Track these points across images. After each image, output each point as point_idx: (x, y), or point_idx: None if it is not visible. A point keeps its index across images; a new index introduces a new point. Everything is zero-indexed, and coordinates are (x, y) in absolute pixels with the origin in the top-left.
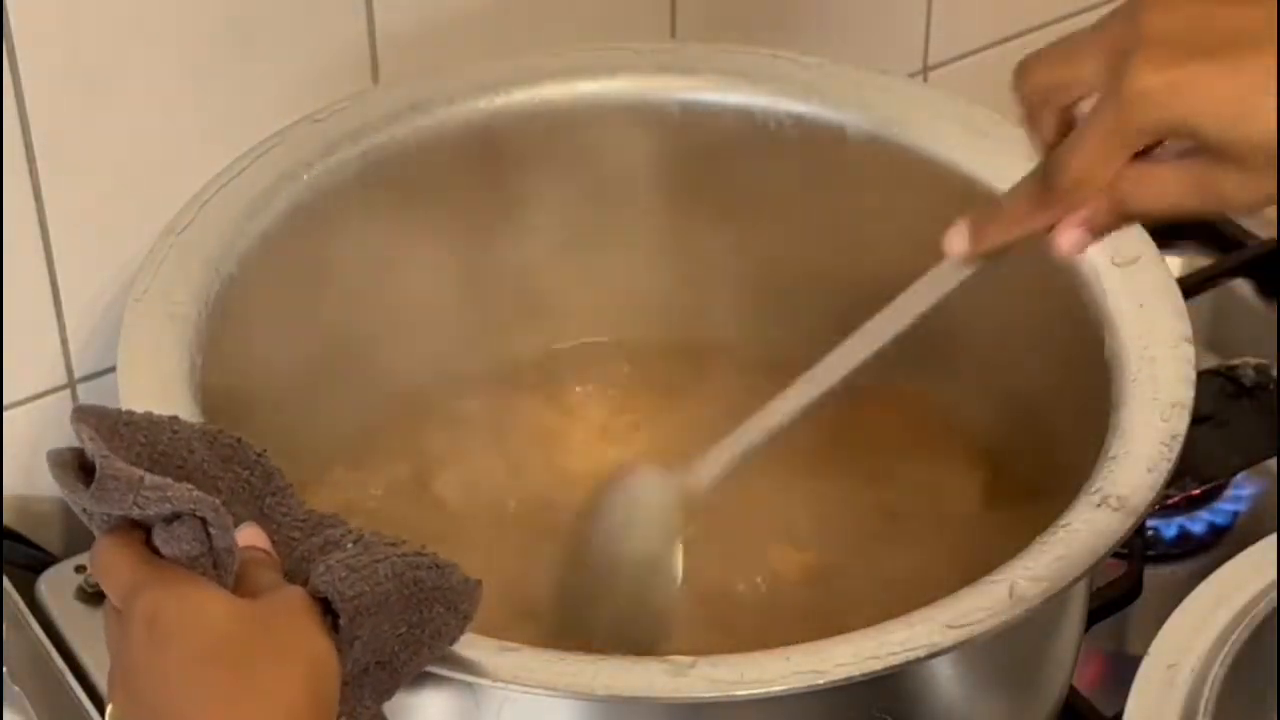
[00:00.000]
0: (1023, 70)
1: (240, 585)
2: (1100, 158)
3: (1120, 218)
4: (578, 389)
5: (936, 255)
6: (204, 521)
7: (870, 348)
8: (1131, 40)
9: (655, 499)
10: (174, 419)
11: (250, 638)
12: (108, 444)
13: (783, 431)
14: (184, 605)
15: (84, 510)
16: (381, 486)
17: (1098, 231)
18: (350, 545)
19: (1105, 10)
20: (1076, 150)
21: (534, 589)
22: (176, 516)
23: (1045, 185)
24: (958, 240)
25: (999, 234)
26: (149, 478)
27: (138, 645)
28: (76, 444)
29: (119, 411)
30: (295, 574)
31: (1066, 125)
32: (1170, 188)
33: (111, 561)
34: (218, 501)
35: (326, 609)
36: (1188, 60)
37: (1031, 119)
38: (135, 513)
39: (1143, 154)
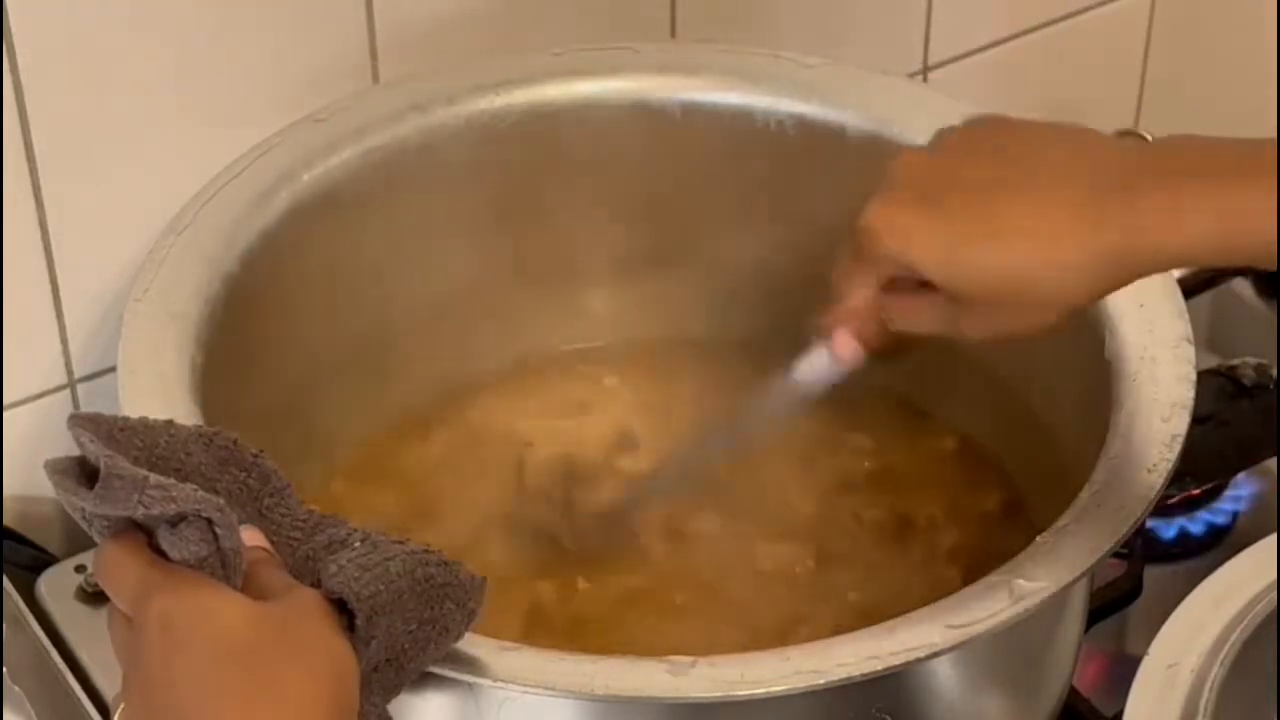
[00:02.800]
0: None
1: (248, 586)
2: (850, 278)
3: (889, 336)
4: (578, 389)
5: None
6: (209, 522)
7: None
8: (885, 180)
9: None
10: (169, 422)
11: (268, 641)
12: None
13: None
14: (198, 609)
15: (84, 517)
16: (381, 485)
17: (870, 345)
18: (358, 544)
19: (1105, 10)
20: (837, 269)
21: (533, 589)
22: (181, 518)
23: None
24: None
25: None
26: (153, 478)
27: (151, 651)
28: (74, 448)
29: (114, 417)
30: (299, 574)
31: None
32: (924, 316)
33: (118, 566)
34: (222, 502)
35: (341, 609)
36: (913, 205)
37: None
38: (140, 513)
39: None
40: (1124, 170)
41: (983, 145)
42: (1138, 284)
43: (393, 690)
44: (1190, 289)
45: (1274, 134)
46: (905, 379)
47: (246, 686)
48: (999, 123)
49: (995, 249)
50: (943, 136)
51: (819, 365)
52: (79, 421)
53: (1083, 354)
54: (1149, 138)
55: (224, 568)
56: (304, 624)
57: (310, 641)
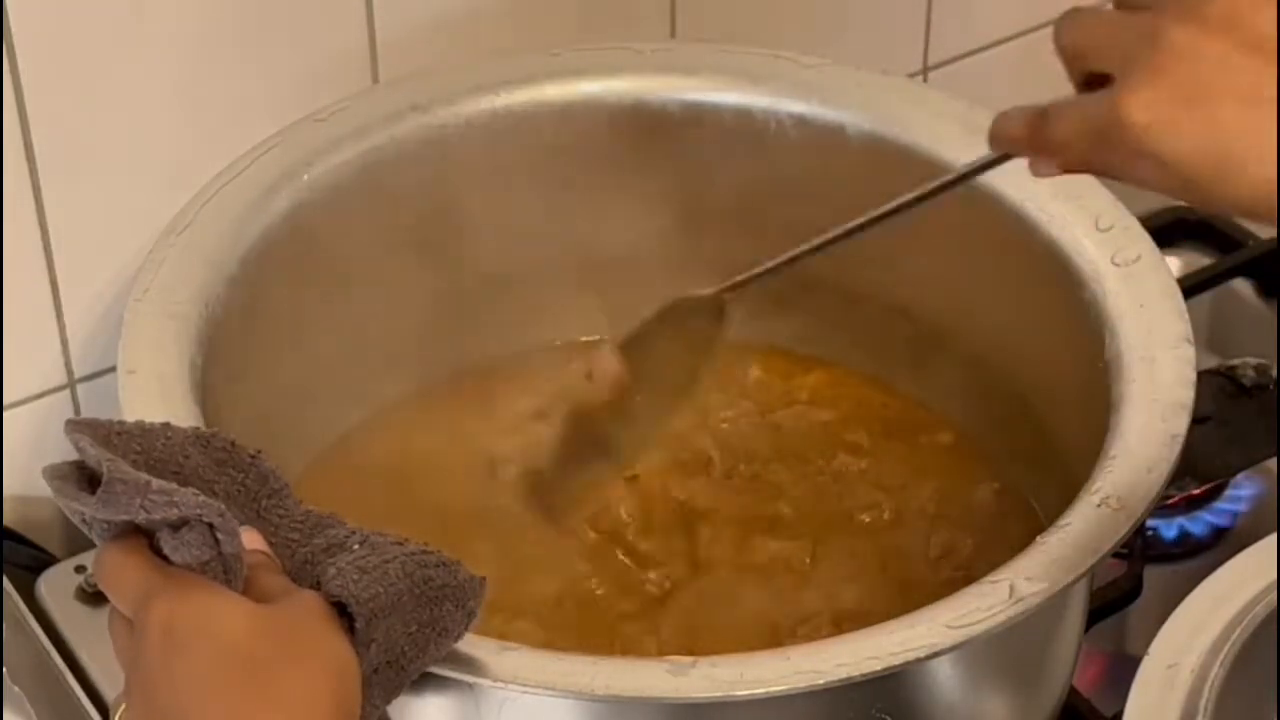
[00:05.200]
0: (1063, 24)
1: (248, 590)
2: (1077, 140)
3: (1088, 170)
4: (577, 390)
5: (935, 254)
6: (211, 527)
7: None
8: (1145, 51)
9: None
10: (166, 425)
11: (270, 644)
12: None
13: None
14: (200, 612)
15: (84, 521)
16: (381, 484)
17: (1070, 169)
18: (356, 546)
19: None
20: (1059, 125)
21: (525, 588)
22: (183, 522)
23: (1039, 127)
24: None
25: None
26: (155, 482)
27: (154, 654)
28: (73, 450)
29: (110, 422)
30: (298, 576)
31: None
32: (1137, 177)
33: (119, 569)
34: (224, 507)
35: (341, 611)
36: (1184, 105)
37: (1065, 64)
38: (141, 517)
39: None
40: None
41: (1257, 25)
42: (1138, 284)
43: (393, 692)
44: (1190, 289)
45: None
46: (905, 378)
47: (248, 690)
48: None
49: (1270, 173)
50: (1217, 6)
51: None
52: (77, 426)
53: (1083, 354)
54: None
55: (225, 572)
56: (305, 627)
57: (311, 644)
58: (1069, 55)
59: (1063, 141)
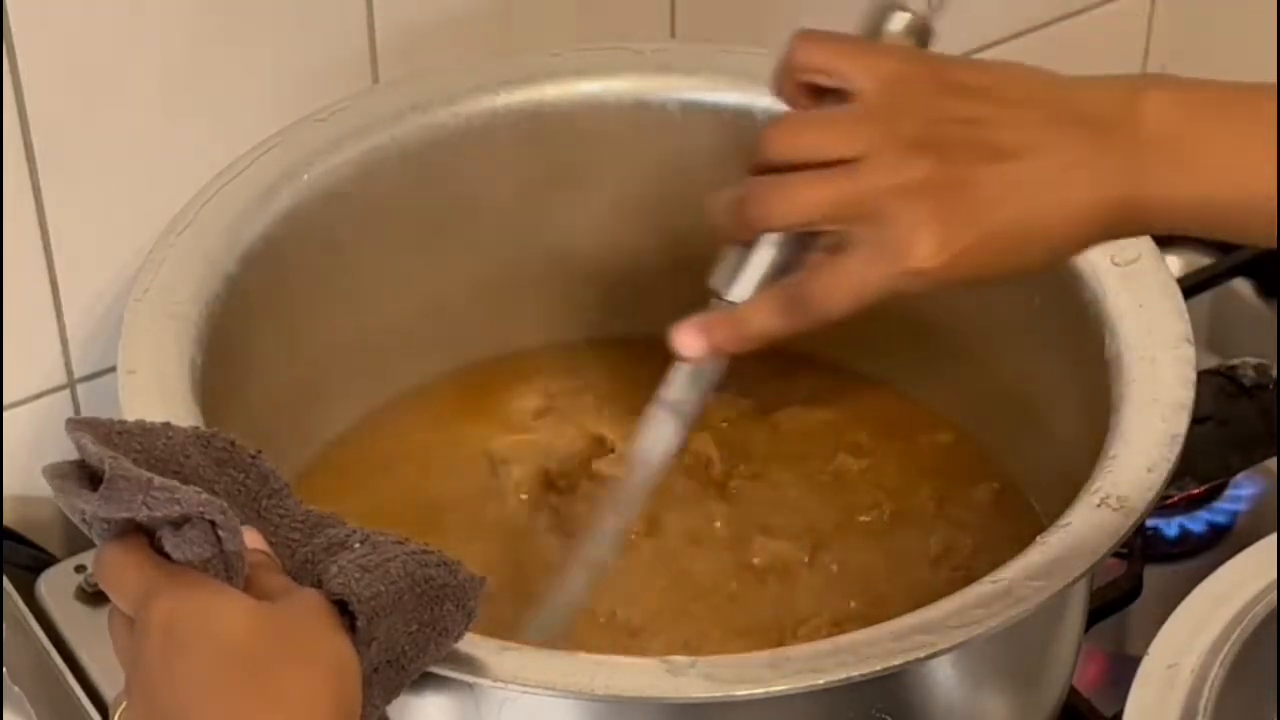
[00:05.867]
0: (799, 45)
1: (249, 589)
2: (857, 300)
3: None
4: (583, 391)
5: None
6: (213, 525)
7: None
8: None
9: None
10: (166, 425)
11: (271, 642)
12: None
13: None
14: (201, 610)
15: (85, 520)
16: (380, 484)
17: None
18: (358, 545)
19: (1105, 10)
20: (837, 293)
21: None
22: (185, 520)
23: (798, 307)
24: (688, 339)
25: (730, 339)
26: (157, 479)
27: (155, 652)
28: (73, 451)
29: (111, 421)
30: (299, 576)
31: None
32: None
33: (120, 567)
34: (225, 504)
35: (342, 610)
36: (961, 245)
37: (782, 87)
38: (143, 514)
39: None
40: (1122, 117)
41: (945, 110)
42: (1138, 284)
43: (393, 691)
44: (1190, 289)
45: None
46: (906, 378)
47: (249, 688)
48: (940, 70)
49: (1022, 266)
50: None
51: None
52: (78, 425)
53: (1083, 354)
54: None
55: (227, 570)
56: (306, 625)
57: (312, 643)
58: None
59: (837, 309)
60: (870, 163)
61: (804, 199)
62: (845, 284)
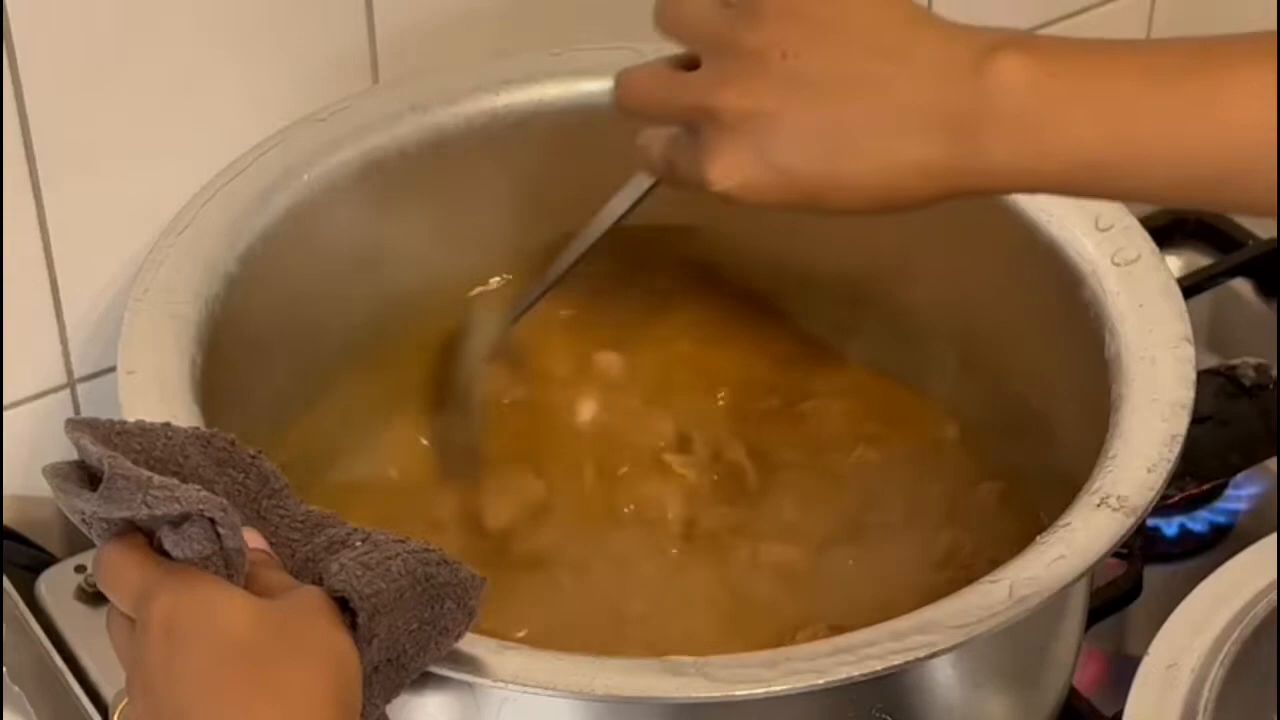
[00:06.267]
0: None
1: (250, 587)
2: (668, 168)
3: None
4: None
5: (935, 254)
6: (212, 522)
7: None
8: (706, 120)
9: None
10: (166, 425)
11: (272, 638)
12: None
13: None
14: (202, 606)
15: (84, 520)
16: (381, 482)
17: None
18: (359, 543)
19: (1102, 11)
20: (652, 146)
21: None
22: (185, 518)
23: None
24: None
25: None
26: (157, 478)
27: (155, 649)
28: (73, 451)
29: (110, 422)
30: (300, 575)
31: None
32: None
33: (120, 567)
34: (225, 502)
35: (344, 608)
36: (758, 168)
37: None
38: (143, 512)
39: None
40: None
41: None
42: (1138, 284)
43: (393, 690)
44: (1190, 289)
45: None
46: (906, 378)
47: (250, 684)
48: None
49: (848, 205)
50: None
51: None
52: (77, 426)
53: (1083, 354)
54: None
55: (227, 567)
56: (307, 622)
57: (313, 640)
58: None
59: (657, 158)
60: (694, 77)
61: (650, 97)
62: (689, 174)
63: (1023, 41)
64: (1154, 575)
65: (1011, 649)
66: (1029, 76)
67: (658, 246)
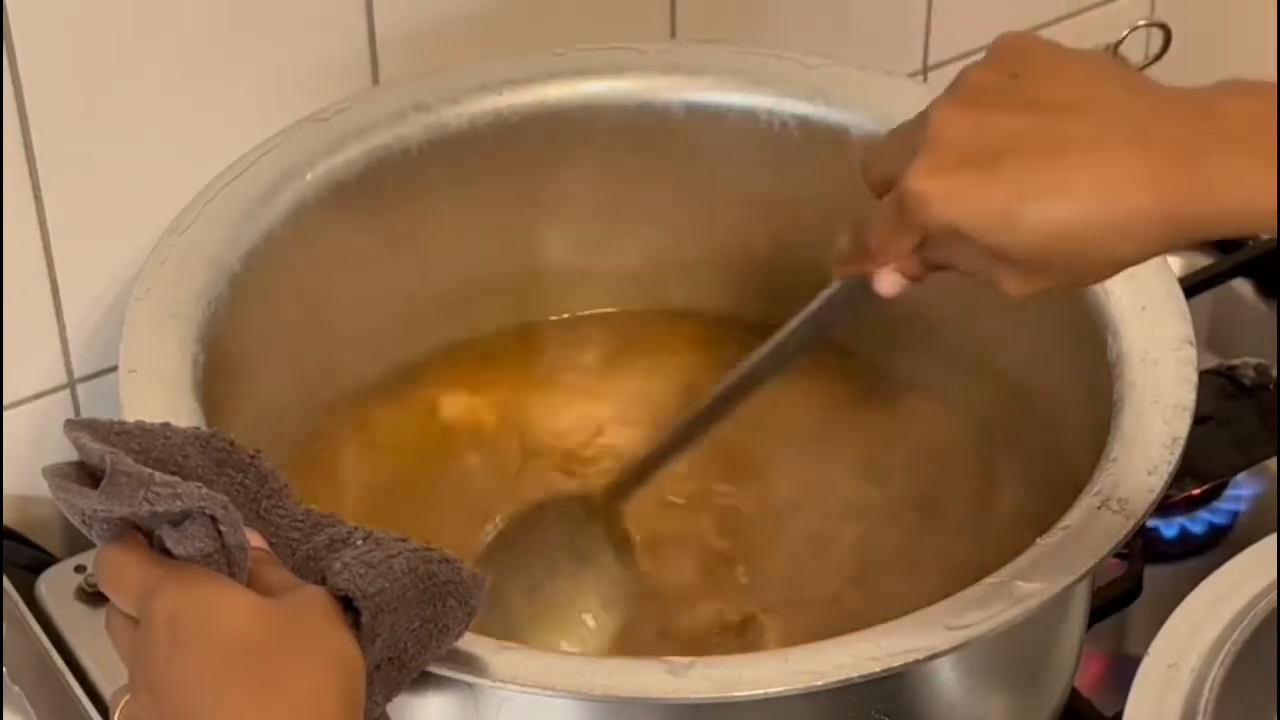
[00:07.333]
0: (865, 163)
1: (253, 584)
2: (889, 239)
3: (931, 269)
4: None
5: None
6: (214, 520)
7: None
8: (919, 141)
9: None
10: (165, 425)
11: (275, 636)
12: None
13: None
14: (205, 604)
15: (84, 520)
16: (381, 482)
17: (913, 277)
18: (360, 542)
19: (1102, 11)
20: (870, 230)
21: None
22: (185, 516)
23: (858, 241)
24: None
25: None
26: (158, 475)
27: (158, 648)
28: (73, 451)
29: (110, 422)
30: (301, 574)
31: None
32: (966, 263)
33: (120, 566)
34: (226, 499)
35: (346, 606)
36: (959, 168)
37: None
38: (145, 510)
39: None
40: (1184, 120)
41: (1022, 89)
42: (1140, 286)
43: (394, 688)
44: (1190, 289)
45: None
46: (906, 378)
47: (253, 683)
48: (1026, 52)
49: (1053, 213)
50: (970, 79)
51: (845, 297)
52: (76, 426)
53: (1085, 356)
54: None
55: (229, 564)
56: (310, 620)
57: (318, 638)
58: (883, 186)
59: (880, 245)
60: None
61: None
62: (874, 229)
63: (1236, 85)
64: (1154, 575)
65: (1012, 650)
66: (1251, 113)
67: None
